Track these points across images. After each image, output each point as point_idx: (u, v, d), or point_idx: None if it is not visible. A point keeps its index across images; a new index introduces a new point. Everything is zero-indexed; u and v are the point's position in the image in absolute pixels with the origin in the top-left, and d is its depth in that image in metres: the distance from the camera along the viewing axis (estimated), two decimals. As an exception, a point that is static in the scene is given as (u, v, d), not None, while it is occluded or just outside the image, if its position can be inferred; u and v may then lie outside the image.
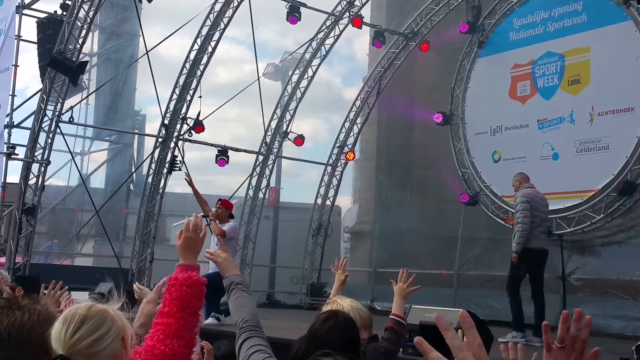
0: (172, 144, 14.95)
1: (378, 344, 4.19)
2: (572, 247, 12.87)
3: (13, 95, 13.36)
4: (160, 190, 15.17)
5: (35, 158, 12.91)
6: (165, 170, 14.98)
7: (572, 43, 13.48)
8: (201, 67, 15.05)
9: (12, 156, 12.92)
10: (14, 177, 13.76)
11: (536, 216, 8.77)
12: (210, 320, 9.11)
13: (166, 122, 15.03)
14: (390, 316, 4.35)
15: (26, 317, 2.36)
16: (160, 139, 15.16)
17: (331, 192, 17.55)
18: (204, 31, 14.87)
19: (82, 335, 2.21)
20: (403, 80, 17.27)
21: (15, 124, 13.43)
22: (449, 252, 13.25)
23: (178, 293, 2.65)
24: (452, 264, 14.52)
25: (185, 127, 14.81)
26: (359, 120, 17.52)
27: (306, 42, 16.49)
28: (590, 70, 13.14)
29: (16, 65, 13.32)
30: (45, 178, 13.34)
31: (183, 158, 14.87)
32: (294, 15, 14.91)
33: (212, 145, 15.45)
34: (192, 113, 14.86)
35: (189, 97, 15.00)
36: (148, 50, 14.66)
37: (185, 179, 10.71)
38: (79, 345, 2.20)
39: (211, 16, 14.77)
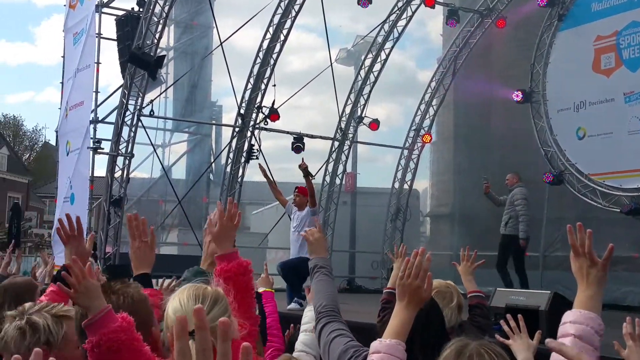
0: (249, 133, 15.14)
1: (472, 320, 4.20)
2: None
3: (96, 92, 13.77)
4: (239, 179, 15.40)
5: (119, 151, 13.32)
6: (243, 160, 15.20)
7: (659, 11, 12.85)
8: (274, 56, 15.14)
9: (99, 150, 13.36)
10: (100, 170, 14.23)
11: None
12: (293, 305, 9.18)
13: (242, 111, 15.22)
14: (469, 295, 4.42)
15: (121, 300, 2.47)
16: (237, 129, 15.37)
17: (408, 176, 17.40)
18: (276, 19, 14.94)
19: (216, 315, 2.25)
20: (479, 59, 16.90)
21: (99, 119, 13.86)
22: (533, 233, 12.90)
23: (237, 284, 2.67)
24: (537, 246, 14.14)
25: (260, 116, 14.96)
26: (434, 102, 17.27)
27: (378, 25, 16.33)
28: (679, 38, 12.50)
29: (98, 63, 13.69)
30: (130, 170, 13.76)
31: (260, 146, 15.05)
32: (365, -2, 14.78)
33: (287, 132, 15.55)
34: (266, 102, 15.00)
35: (263, 86, 15.14)
36: (222, 41, 14.86)
37: (260, 168, 10.79)
38: (213, 324, 2.23)
39: (282, 4, 14.82)
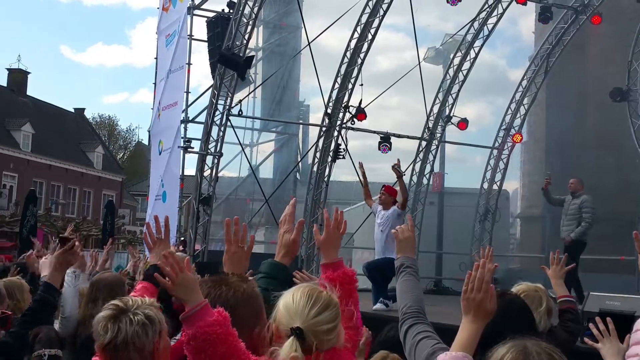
0: (336, 133, 15.18)
1: (563, 325, 4.10)
2: None
3: (187, 93, 14.12)
4: (326, 179, 15.46)
5: (209, 150, 13.62)
6: (329, 159, 15.25)
7: None
8: (362, 55, 15.13)
9: (189, 149, 13.69)
10: (190, 169, 14.62)
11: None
12: (378, 305, 9.14)
13: (329, 111, 15.28)
14: (560, 299, 4.34)
15: (231, 293, 2.49)
16: (324, 128, 15.44)
17: (498, 176, 17.03)
18: (364, 19, 14.92)
19: (324, 319, 2.27)
20: (573, 56, 16.39)
21: (190, 119, 14.21)
22: (629, 236, 12.43)
23: (341, 292, 2.64)
24: (632, 250, 13.57)
25: (347, 115, 14.98)
26: (525, 101, 16.83)
27: (468, 23, 16.06)
28: None
29: (189, 64, 14.03)
30: (219, 169, 14.04)
31: (347, 146, 15.06)
32: (454, -5, 14.54)
33: (374, 132, 15.50)
34: (353, 101, 15.01)
35: (350, 86, 15.15)
36: (310, 41, 14.97)
37: (359, 166, 10.90)
38: (319, 327, 2.25)
39: (370, 3, 14.79)
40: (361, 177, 10.51)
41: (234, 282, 2.56)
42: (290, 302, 2.31)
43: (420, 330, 2.83)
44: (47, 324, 4.05)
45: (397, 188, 9.93)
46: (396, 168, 9.70)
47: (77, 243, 4.04)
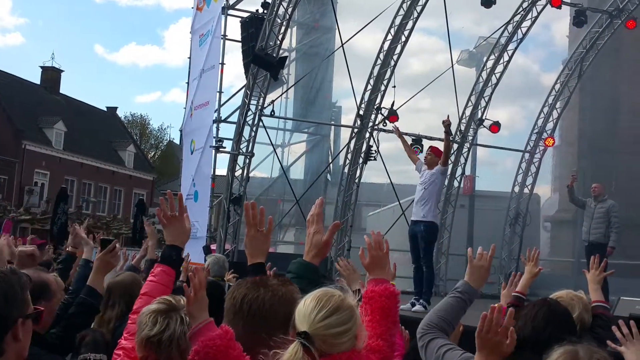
0: (367, 134, 15.21)
1: (592, 331, 4.07)
2: None
3: (220, 92, 14.20)
4: (357, 180, 15.49)
5: (240, 150, 13.74)
6: (360, 160, 15.28)
7: None
8: (395, 57, 15.14)
9: (220, 149, 13.80)
10: (222, 169, 14.73)
11: None
12: (418, 307, 9.14)
13: (361, 112, 15.31)
14: (593, 304, 4.23)
15: (268, 296, 2.48)
16: (355, 130, 15.48)
17: (529, 180, 16.92)
18: (397, 21, 14.93)
19: (331, 323, 2.27)
20: (607, 60, 16.21)
21: (222, 119, 14.31)
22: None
23: (378, 304, 2.70)
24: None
25: (379, 117, 15.00)
26: (558, 105, 16.69)
27: (502, 26, 15.98)
28: None
29: (222, 64, 14.11)
30: (250, 169, 14.13)
31: (378, 148, 15.07)
32: (488, -1, 14.49)
33: (406, 134, 15.46)
34: (385, 103, 15.03)
35: (382, 88, 15.17)
36: (343, 43, 15.01)
37: (395, 129, 11.18)
38: (325, 331, 2.26)
39: (404, 5, 14.80)
40: (399, 138, 10.83)
41: (273, 284, 2.54)
42: (301, 306, 2.32)
43: (444, 344, 2.91)
44: (87, 327, 4.05)
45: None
46: (446, 124, 9.67)
47: (117, 245, 4.04)
